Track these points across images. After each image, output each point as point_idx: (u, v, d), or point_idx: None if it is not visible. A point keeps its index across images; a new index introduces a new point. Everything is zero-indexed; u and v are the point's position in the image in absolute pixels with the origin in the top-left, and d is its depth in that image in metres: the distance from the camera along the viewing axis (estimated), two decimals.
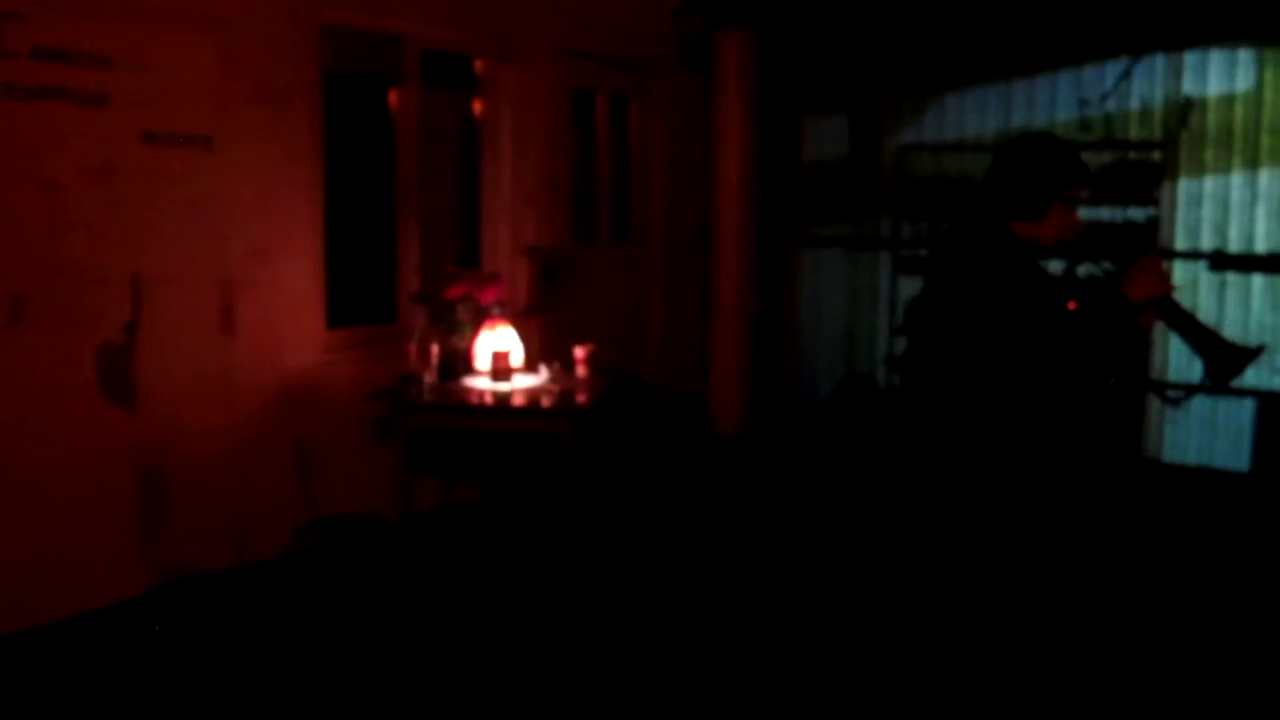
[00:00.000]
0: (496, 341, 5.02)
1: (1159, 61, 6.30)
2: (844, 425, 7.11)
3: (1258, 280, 6.16)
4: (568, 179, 6.47)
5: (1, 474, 3.90)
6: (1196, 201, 6.27)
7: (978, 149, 6.69)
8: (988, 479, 2.84)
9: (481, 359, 5.05)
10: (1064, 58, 6.53)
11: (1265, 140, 6.10)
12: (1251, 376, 6.11)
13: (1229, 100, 6.17)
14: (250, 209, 4.61)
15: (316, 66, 4.86)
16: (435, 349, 4.92)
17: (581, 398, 4.84)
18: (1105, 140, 6.41)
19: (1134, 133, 6.41)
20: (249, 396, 4.67)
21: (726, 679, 3.76)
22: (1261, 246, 6.12)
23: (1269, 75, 6.06)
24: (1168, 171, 6.29)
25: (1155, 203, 6.31)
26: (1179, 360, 6.29)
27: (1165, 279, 2.74)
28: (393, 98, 5.42)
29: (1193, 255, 6.25)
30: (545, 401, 4.77)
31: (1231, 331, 6.22)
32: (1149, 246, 2.70)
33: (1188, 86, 6.24)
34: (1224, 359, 2.69)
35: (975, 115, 6.86)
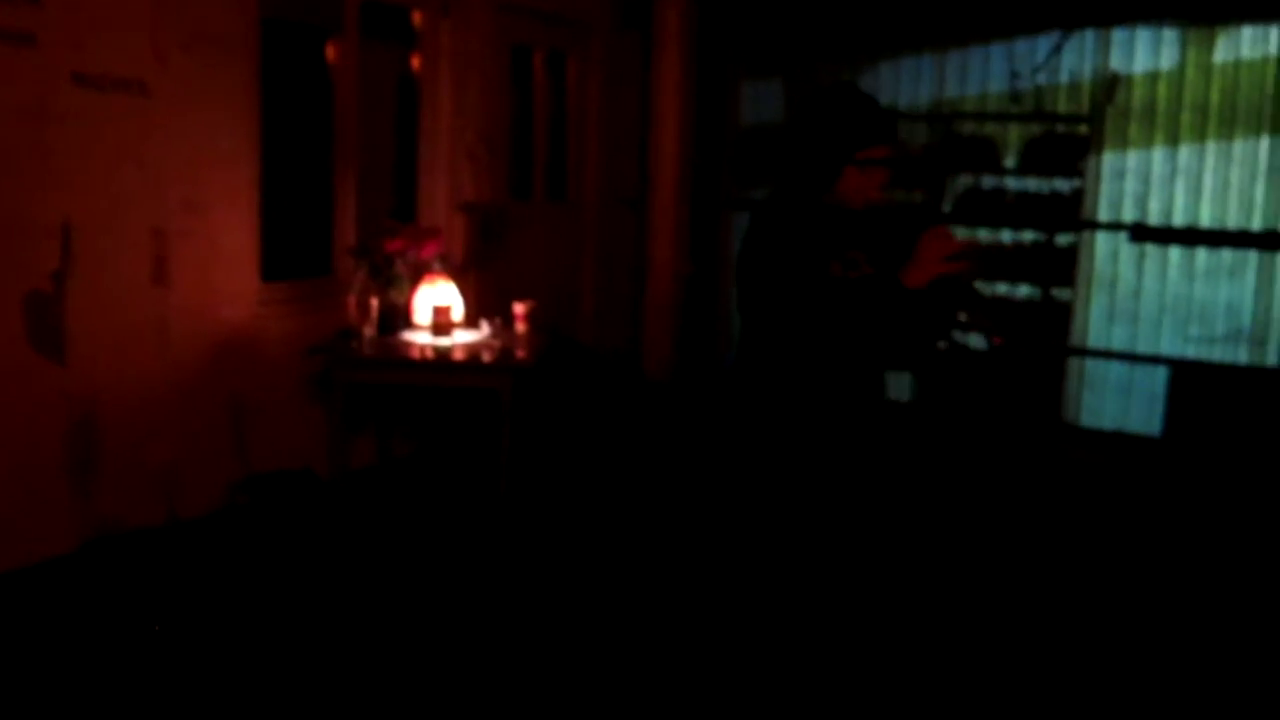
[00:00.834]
0: (436, 296, 4.98)
1: (1089, 37, 6.44)
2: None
3: (1174, 252, 6.39)
4: (505, 136, 6.42)
5: None
6: (1120, 175, 6.45)
7: (912, 117, 6.78)
8: (762, 432, 2.88)
9: (421, 313, 5.01)
10: (997, 30, 6.63)
11: (1186, 117, 6.29)
12: (1165, 344, 6.45)
13: (1153, 77, 6.35)
14: (185, 157, 4.49)
15: (255, 11, 4.74)
16: (375, 303, 4.88)
17: (522, 353, 4.84)
18: (1035, 113, 6.55)
19: (1062, 106, 6.55)
20: (182, 349, 4.57)
21: (670, 631, 3.82)
22: (1179, 220, 6.34)
23: (1192, 54, 6.25)
24: (1093, 145, 6.45)
25: (1081, 175, 6.48)
26: (1098, 326, 6.53)
27: (950, 260, 2.60)
28: (331, 49, 5.31)
29: (1114, 226, 6.45)
30: (486, 357, 4.76)
31: (1149, 301, 6.47)
32: (930, 225, 2.65)
33: (1115, 62, 6.39)
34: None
35: (910, 84, 6.93)
